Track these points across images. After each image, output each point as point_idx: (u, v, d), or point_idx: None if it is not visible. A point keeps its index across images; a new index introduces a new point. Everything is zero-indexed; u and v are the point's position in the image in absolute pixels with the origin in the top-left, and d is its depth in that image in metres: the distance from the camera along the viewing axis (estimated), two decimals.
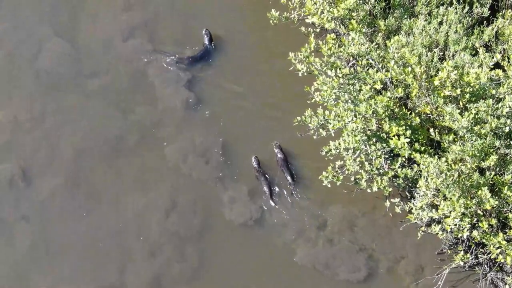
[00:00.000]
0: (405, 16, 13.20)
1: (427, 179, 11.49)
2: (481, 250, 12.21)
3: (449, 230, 11.41)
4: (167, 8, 15.67)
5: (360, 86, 12.14)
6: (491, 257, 11.68)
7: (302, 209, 13.35)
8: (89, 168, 13.66)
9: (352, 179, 12.54)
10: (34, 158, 13.73)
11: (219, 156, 13.82)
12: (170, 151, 13.87)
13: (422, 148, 11.95)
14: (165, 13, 15.62)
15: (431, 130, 11.69)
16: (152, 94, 14.53)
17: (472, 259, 12.22)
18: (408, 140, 11.50)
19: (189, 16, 15.57)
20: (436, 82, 11.67)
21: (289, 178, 13.69)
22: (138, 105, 14.39)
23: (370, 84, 11.99)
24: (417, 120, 11.79)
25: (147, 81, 14.67)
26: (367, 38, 12.93)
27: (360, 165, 12.26)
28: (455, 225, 11.29)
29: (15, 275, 12.73)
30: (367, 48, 12.24)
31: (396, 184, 12.39)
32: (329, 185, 12.30)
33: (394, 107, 11.95)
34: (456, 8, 12.96)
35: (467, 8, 13.02)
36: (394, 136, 11.68)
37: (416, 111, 12.31)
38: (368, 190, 12.26)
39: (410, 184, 12.53)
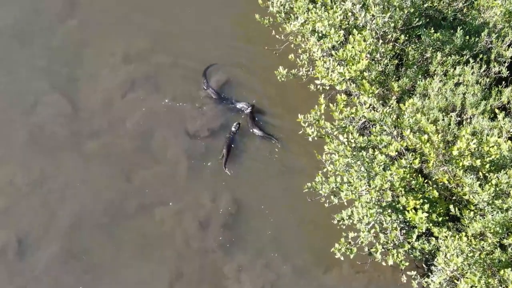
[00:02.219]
0: (419, 76, 12.66)
1: (446, 255, 10.93)
2: None
3: None
4: (169, 60, 15.09)
5: (374, 153, 11.57)
6: None
7: None
8: (87, 238, 12.90)
9: (366, 249, 12.00)
10: (30, 226, 12.94)
11: (226, 221, 13.18)
12: (174, 217, 13.19)
13: (440, 219, 11.37)
14: (167, 66, 15.04)
15: (451, 206, 11.10)
16: (156, 155, 13.88)
17: None
18: (425, 215, 10.94)
19: (191, 69, 15.00)
20: (455, 152, 11.11)
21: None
22: (141, 167, 13.70)
23: (384, 154, 11.41)
24: (435, 193, 11.21)
25: (151, 141, 14.02)
26: (380, 101, 12.38)
27: (375, 235, 11.70)
28: None
29: None
30: (381, 114, 11.68)
31: (412, 256, 11.80)
32: (342, 258, 11.72)
33: (411, 178, 11.36)
34: (472, 68, 12.42)
35: (484, 67, 12.49)
36: (411, 209, 11.12)
37: (433, 179, 11.75)
38: (383, 263, 11.67)
39: (427, 257, 11.95)
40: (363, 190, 11.41)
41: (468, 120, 12.17)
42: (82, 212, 13.14)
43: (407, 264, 11.57)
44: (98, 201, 13.26)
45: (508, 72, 12.58)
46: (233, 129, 14.16)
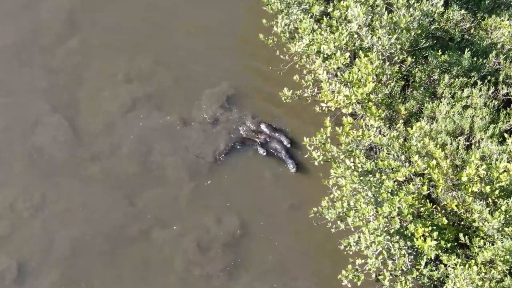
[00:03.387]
0: (426, 98, 12.47)
1: (455, 283, 10.70)
2: None
3: None
4: (171, 80, 14.88)
5: (381, 177, 11.36)
6: None
7: None
8: (87, 264, 12.69)
9: (374, 276, 11.78)
10: (30, 252, 12.77)
11: (230, 244, 12.95)
12: (177, 241, 12.97)
13: (449, 245, 11.15)
14: (169, 86, 14.83)
15: (461, 234, 10.88)
16: (158, 177, 13.66)
17: None
18: (435, 243, 10.72)
19: (193, 89, 14.79)
20: (464, 178, 10.90)
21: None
22: (142, 190, 13.48)
23: (392, 179, 11.20)
24: (444, 221, 10.99)
25: (152, 163, 13.81)
26: (387, 124, 12.19)
27: (382, 261, 11.47)
28: None
29: None
30: (388, 139, 11.48)
31: (421, 282, 11.56)
32: (349, 285, 11.49)
33: (420, 205, 11.15)
34: (480, 90, 12.23)
35: (492, 89, 12.30)
36: (420, 237, 10.90)
37: (441, 204, 11.54)
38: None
39: (436, 283, 11.71)
40: (370, 216, 11.20)
41: (477, 144, 11.98)
42: (82, 237, 12.95)
43: None
44: (98, 226, 13.06)
45: None
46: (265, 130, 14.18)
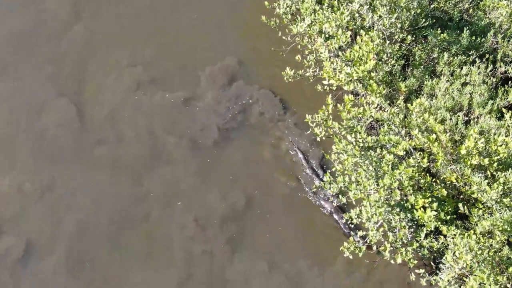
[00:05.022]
0: (426, 76, 12.74)
1: (454, 253, 10.98)
2: None
3: None
4: (175, 64, 15.17)
5: (382, 153, 11.64)
6: None
7: None
8: (94, 244, 12.92)
9: (375, 248, 12.09)
10: (38, 232, 13.02)
11: (234, 222, 13.20)
12: (181, 220, 13.20)
13: (448, 217, 11.43)
14: (171, 66, 15.12)
15: (460, 204, 11.16)
16: (163, 157, 13.89)
17: None
18: (434, 213, 10.99)
19: (197, 71, 15.05)
20: (463, 151, 11.18)
21: None
22: (148, 171, 13.71)
23: (392, 153, 11.47)
24: (444, 192, 11.26)
25: (157, 144, 14.05)
26: (387, 101, 12.45)
27: (383, 234, 11.75)
28: None
29: None
30: (389, 114, 11.76)
31: (421, 254, 11.83)
32: (350, 257, 11.76)
33: (420, 177, 11.42)
34: (479, 68, 12.50)
35: (490, 67, 12.57)
36: (419, 208, 11.17)
37: (441, 178, 11.81)
38: (392, 262, 11.71)
39: (435, 255, 11.99)
40: (371, 190, 11.47)
41: (475, 120, 12.24)
42: (88, 219, 13.19)
43: (415, 262, 11.63)
44: (104, 208, 13.31)
45: None
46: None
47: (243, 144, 14.08)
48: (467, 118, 12.31)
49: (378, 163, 11.50)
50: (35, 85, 14.80)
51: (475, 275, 10.82)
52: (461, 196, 11.75)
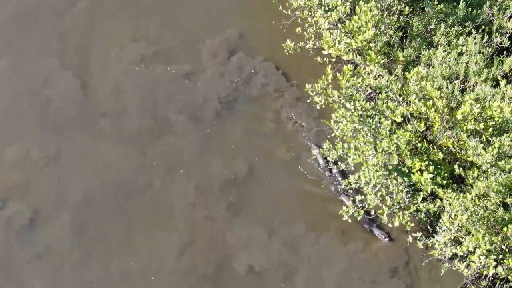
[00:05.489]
0: (424, 46, 13.04)
1: (450, 215, 11.28)
2: (506, 285, 11.95)
3: (474, 267, 11.16)
4: (178, 39, 15.45)
5: (380, 119, 11.93)
6: None
7: None
8: (98, 211, 13.24)
9: (373, 213, 12.40)
10: (43, 200, 13.34)
11: (235, 189, 13.50)
12: (184, 186, 13.51)
13: (445, 182, 11.72)
14: (174, 41, 15.41)
15: (456, 166, 11.46)
16: (166, 127, 14.20)
17: None
18: (431, 176, 11.29)
19: (199, 45, 15.35)
20: (459, 116, 11.49)
21: None
22: (152, 140, 14.04)
23: (390, 119, 11.77)
24: (440, 155, 11.57)
25: (161, 114, 14.35)
26: (386, 70, 12.74)
27: (381, 199, 12.05)
28: (480, 262, 11.04)
29: None
30: (387, 81, 12.05)
31: (417, 218, 12.14)
32: (349, 220, 12.07)
33: (417, 141, 11.73)
34: (475, 38, 12.80)
35: (486, 38, 12.86)
36: (416, 171, 11.48)
37: (438, 144, 12.11)
38: (389, 225, 12.02)
39: (432, 218, 12.30)
40: (369, 155, 11.76)
41: (471, 88, 12.55)
42: (93, 187, 13.50)
43: (412, 225, 11.92)
44: (109, 176, 13.63)
45: (510, 42, 12.94)
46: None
47: (245, 116, 14.37)
48: (463, 85, 12.60)
49: (376, 129, 11.79)
50: (41, 59, 15.10)
51: (472, 235, 11.13)
52: (457, 162, 12.03)
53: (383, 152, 11.56)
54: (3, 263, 12.68)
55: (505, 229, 10.97)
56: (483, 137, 11.66)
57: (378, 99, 12.36)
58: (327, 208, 13.28)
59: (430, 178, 11.34)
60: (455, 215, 11.14)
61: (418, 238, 11.93)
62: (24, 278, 12.58)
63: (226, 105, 14.45)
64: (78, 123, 14.31)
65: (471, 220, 11.00)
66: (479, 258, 10.97)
